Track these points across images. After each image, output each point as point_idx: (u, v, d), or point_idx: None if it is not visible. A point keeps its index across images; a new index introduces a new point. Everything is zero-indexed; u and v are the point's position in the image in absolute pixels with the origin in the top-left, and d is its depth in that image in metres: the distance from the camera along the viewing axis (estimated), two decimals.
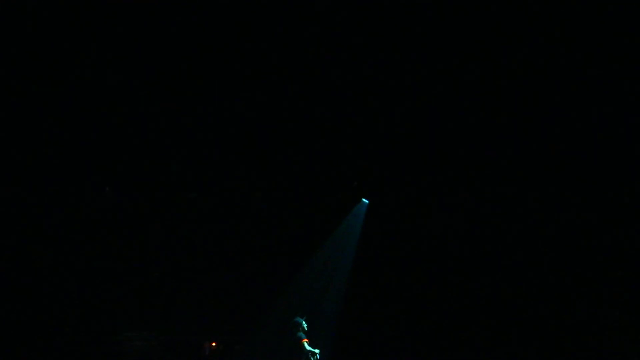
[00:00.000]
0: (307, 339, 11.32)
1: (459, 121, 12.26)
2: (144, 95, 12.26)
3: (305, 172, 12.90)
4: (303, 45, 11.85)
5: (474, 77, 11.84)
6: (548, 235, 12.17)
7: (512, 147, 12.17)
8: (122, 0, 10.84)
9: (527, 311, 12.15)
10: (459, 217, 12.77)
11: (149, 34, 11.71)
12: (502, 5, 10.94)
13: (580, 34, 10.77)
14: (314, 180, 12.98)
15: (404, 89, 12.21)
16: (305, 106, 12.43)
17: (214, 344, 13.06)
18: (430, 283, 12.79)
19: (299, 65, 12.05)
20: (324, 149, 12.76)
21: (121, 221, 12.89)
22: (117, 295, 12.76)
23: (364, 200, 13.17)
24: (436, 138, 12.50)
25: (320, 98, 12.44)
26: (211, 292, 12.97)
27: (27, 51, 11.29)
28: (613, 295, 11.89)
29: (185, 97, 12.36)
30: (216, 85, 12.30)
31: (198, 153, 12.74)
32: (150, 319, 12.86)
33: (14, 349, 11.87)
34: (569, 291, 11.90)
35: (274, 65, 11.99)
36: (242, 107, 12.47)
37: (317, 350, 11.08)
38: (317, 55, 11.88)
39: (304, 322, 11.49)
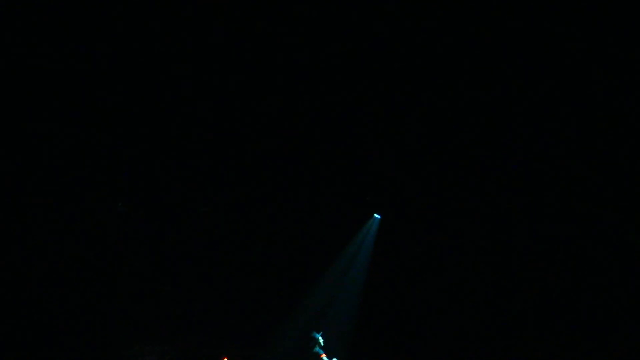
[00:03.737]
0: (324, 353, 11.53)
1: (472, 136, 12.43)
2: (153, 108, 12.24)
3: (317, 188, 12.97)
4: (314, 62, 11.96)
5: (488, 90, 12.03)
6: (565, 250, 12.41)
7: (529, 162, 12.33)
8: None
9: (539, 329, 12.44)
10: (473, 233, 12.94)
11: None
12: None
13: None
14: (325, 196, 13.04)
15: (417, 100, 12.35)
16: (317, 121, 12.51)
17: None
18: (444, 299, 12.96)
19: (309, 80, 12.14)
20: (335, 164, 12.85)
21: (133, 234, 12.79)
22: (128, 308, 12.67)
23: (376, 215, 13.28)
24: (450, 151, 12.63)
25: (332, 112, 12.54)
26: (225, 306, 12.98)
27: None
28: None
29: (196, 110, 12.37)
30: (228, 100, 12.33)
31: (210, 168, 12.75)
32: (161, 332, 12.79)
33: None
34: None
35: (285, 79, 12.07)
36: (256, 120, 12.52)
37: None
38: (327, 70, 11.98)
39: (320, 338, 11.67)
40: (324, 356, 11.53)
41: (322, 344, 11.67)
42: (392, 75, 12.11)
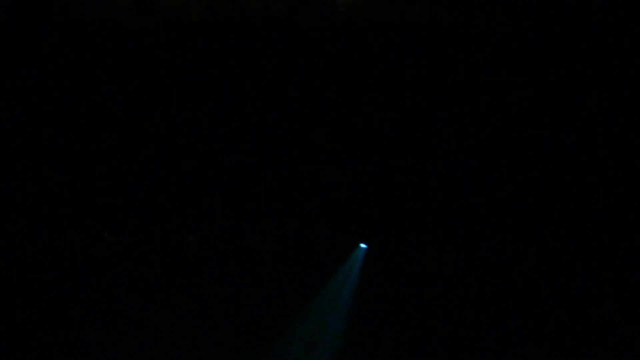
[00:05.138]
0: None
1: (459, 164, 12.12)
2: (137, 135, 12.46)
3: (301, 217, 12.77)
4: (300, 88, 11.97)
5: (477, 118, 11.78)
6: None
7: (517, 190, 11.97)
8: None
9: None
10: (460, 263, 12.47)
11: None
12: None
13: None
14: (309, 226, 12.81)
15: (403, 130, 12.18)
16: (302, 147, 12.44)
17: None
18: (431, 333, 12.51)
19: (295, 105, 12.14)
20: (321, 193, 12.67)
21: (119, 265, 12.92)
22: (115, 338, 12.76)
23: (361, 245, 12.93)
24: (436, 182, 12.32)
25: (317, 140, 12.46)
26: (209, 336, 12.88)
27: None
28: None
29: (180, 137, 12.52)
30: (211, 128, 12.44)
31: (195, 197, 12.80)
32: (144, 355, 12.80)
33: None
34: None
35: (269, 105, 12.11)
36: (240, 149, 12.57)
37: None
38: (312, 94, 11.96)
39: None
40: None
41: None
42: (373, 99, 12.03)
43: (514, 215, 12.08)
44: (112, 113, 12.44)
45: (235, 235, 12.92)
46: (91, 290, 12.75)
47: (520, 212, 11.98)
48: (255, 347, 12.79)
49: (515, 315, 12.22)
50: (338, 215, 12.78)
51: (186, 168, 12.70)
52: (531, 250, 12.01)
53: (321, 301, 12.94)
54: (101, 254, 12.82)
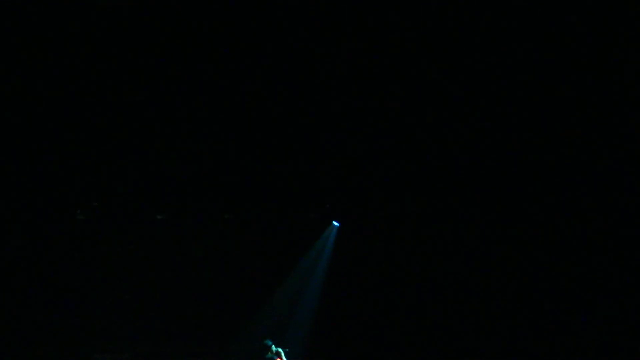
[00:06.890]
0: (279, 358, 11.41)
1: (431, 143, 12.36)
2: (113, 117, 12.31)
3: (275, 195, 12.87)
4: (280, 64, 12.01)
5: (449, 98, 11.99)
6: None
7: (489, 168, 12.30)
8: None
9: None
10: (430, 241, 12.80)
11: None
12: None
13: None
14: (284, 204, 12.94)
15: (377, 110, 12.34)
16: (277, 128, 12.51)
17: None
18: (401, 310, 12.76)
19: (271, 85, 12.19)
20: (294, 171, 12.79)
21: (92, 242, 12.76)
22: (88, 316, 12.66)
23: (334, 223, 13.14)
24: (408, 160, 12.57)
25: (292, 120, 12.54)
26: (183, 313, 12.87)
27: None
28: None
29: (153, 118, 12.43)
30: (184, 105, 12.39)
31: (167, 175, 12.74)
32: (121, 340, 12.74)
33: None
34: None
35: (245, 86, 12.12)
36: (213, 128, 12.55)
37: None
38: (290, 74, 12.03)
39: (273, 345, 11.54)
40: None
41: (274, 350, 11.52)
42: (350, 80, 12.13)
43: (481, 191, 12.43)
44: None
45: (207, 214, 12.92)
46: (62, 267, 12.56)
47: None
48: (229, 323, 12.79)
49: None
50: (311, 194, 12.91)
51: (159, 147, 12.62)
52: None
53: (295, 278, 13.07)
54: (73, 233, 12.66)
